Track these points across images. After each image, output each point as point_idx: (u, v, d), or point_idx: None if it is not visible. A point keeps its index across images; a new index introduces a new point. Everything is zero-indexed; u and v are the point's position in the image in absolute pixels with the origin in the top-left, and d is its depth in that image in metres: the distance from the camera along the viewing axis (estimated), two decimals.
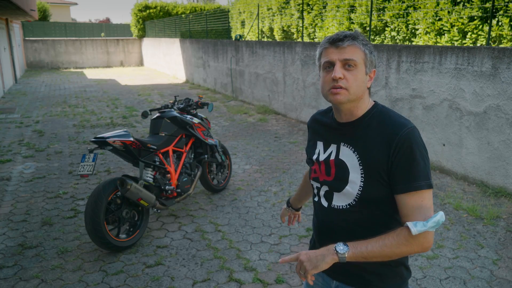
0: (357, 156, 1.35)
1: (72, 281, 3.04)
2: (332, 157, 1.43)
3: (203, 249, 3.50)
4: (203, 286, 2.99)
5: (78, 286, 2.98)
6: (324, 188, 1.45)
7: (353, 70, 1.30)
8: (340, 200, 1.40)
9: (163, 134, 3.94)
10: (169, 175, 3.92)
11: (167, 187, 3.83)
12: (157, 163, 3.79)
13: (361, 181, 1.33)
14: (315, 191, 1.51)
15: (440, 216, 1.24)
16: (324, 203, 1.45)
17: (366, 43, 1.34)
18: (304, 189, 1.85)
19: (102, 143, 3.36)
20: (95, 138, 3.37)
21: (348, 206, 1.38)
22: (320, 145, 1.50)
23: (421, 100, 5.48)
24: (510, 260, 3.28)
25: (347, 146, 1.39)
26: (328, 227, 1.44)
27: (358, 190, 1.34)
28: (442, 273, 3.12)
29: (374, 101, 1.42)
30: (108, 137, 3.37)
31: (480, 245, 3.50)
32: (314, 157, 1.50)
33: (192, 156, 4.35)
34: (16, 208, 4.30)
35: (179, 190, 3.93)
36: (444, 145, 5.22)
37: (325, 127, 1.49)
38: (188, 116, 4.25)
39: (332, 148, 1.44)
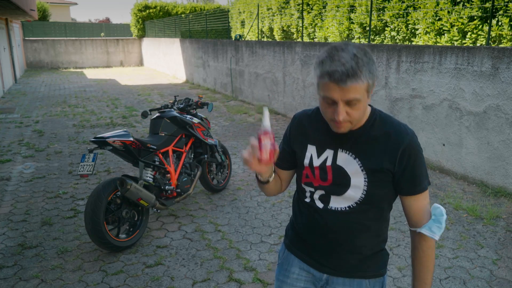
0: (359, 162, 1.36)
1: (72, 281, 3.04)
2: (329, 162, 1.40)
3: (203, 249, 3.50)
4: (203, 286, 2.99)
5: (78, 286, 2.98)
6: (320, 192, 1.43)
7: (356, 105, 1.24)
8: (339, 203, 1.40)
9: (163, 134, 3.93)
10: (169, 175, 3.92)
11: (167, 187, 3.83)
12: (157, 163, 3.79)
13: (364, 185, 1.35)
14: (307, 193, 1.47)
15: (440, 210, 1.36)
16: (319, 204, 1.44)
17: (369, 68, 1.20)
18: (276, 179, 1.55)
19: (102, 143, 3.36)
20: (95, 138, 3.37)
21: (347, 208, 1.39)
22: (312, 149, 1.44)
23: (421, 100, 5.48)
24: (510, 260, 3.28)
25: (346, 152, 1.38)
26: (323, 227, 1.44)
27: (362, 193, 1.36)
28: (442, 273, 3.12)
29: (370, 105, 1.39)
30: (108, 137, 3.37)
31: (480, 245, 3.50)
32: (306, 161, 1.45)
33: (192, 156, 4.35)
34: (16, 208, 4.30)
35: (179, 190, 3.92)
36: (444, 145, 5.22)
37: (319, 131, 1.43)
38: (188, 116, 4.24)
39: (328, 153, 1.41)
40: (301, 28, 9.20)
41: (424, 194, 1.38)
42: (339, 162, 1.39)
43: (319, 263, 1.49)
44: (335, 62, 1.18)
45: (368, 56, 1.21)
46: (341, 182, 1.38)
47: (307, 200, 1.48)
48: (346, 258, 1.44)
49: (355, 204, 1.38)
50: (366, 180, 1.35)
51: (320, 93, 1.26)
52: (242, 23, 13.08)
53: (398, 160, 1.33)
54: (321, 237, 1.45)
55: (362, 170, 1.35)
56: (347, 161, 1.37)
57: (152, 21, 21.41)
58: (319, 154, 1.43)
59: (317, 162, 1.43)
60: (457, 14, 5.56)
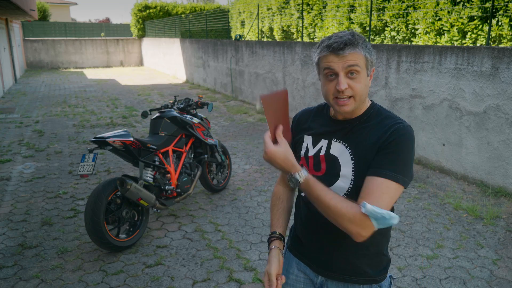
0: (350, 150, 1.36)
1: (72, 281, 3.04)
2: (323, 152, 1.42)
3: (203, 249, 3.50)
4: (203, 286, 2.99)
5: (78, 286, 2.98)
6: None
7: (356, 77, 1.29)
8: None
9: (163, 134, 3.94)
10: (169, 175, 3.92)
11: (167, 187, 3.83)
12: (157, 163, 3.79)
13: (352, 175, 1.34)
14: None
15: (394, 216, 1.20)
16: None
17: (365, 44, 1.32)
18: (285, 209, 1.61)
19: (102, 143, 3.36)
20: (95, 138, 3.37)
21: None
22: (308, 140, 1.48)
23: (421, 100, 5.48)
24: (510, 260, 3.28)
25: (339, 142, 1.39)
26: (315, 221, 1.44)
27: (350, 184, 1.35)
28: (442, 273, 3.12)
29: (371, 100, 1.44)
30: (108, 137, 3.38)
31: (480, 245, 3.50)
32: (302, 152, 1.48)
33: (192, 156, 4.35)
34: (16, 208, 4.30)
35: (179, 190, 3.93)
36: (444, 145, 5.22)
37: (316, 122, 1.49)
38: (188, 116, 4.25)
39: (323, 143, 1.43)
40: (301, 28, 9.20)
41: (387, 183, 1.23)
42: (333, 151, 1.40)
43: (314, 264, 1.49)
44: (334, 37, 1.30)
45: (364, 39, 1.32)
46: (333, 171, 1.39)
47: (303, 193, 1.50)
48: (339, 258, 1.42)
49: (344, 196, 1.36)
50: (354, 169, 1.34)
51: (321, 68, 1.33)
52: (242, 23, 13.08)
53: (382, 142, 1.28)
54: (315, 235, 1.46)
55: (352, 159, 1.35)
56: (340, 151, 1.38)
57: (152, 21, 21.42)
58: (314, 144, 1.45)
59: (311, 152, 1.45)
60: (457, 14, 5.56)
